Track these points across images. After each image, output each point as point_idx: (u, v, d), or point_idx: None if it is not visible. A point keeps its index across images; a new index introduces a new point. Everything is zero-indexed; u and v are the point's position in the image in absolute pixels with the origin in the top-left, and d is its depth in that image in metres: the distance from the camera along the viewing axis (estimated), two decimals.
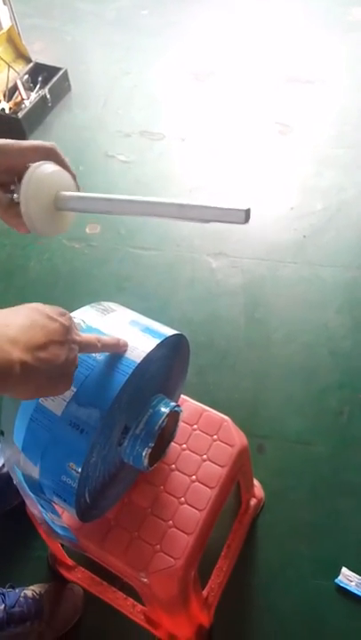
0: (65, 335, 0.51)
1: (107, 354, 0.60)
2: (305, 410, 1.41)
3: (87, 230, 1.84)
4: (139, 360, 0.60)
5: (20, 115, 2.08)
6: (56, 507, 0.69)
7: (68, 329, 0.51)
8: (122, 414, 0.64)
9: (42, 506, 0.69)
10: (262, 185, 1.97)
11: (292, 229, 1.82)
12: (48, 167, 0.57)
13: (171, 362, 0.74)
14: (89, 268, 1.74)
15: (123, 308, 0.73)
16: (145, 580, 0.75)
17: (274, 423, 1.39)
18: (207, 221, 0.53)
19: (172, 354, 0.73)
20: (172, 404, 0.70)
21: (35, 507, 0.72)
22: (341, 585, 1.15)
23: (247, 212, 0.50)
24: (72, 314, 0.68)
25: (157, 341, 0.64)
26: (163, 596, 0.79)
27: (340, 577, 1.15)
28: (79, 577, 1.08)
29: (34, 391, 0.49)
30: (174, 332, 0.70)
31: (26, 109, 2.11)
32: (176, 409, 0.71)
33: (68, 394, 0.58)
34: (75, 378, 0.57)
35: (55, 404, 0.58)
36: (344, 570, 1.16)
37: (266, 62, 2.45)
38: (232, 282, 1.70)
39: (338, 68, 2.39)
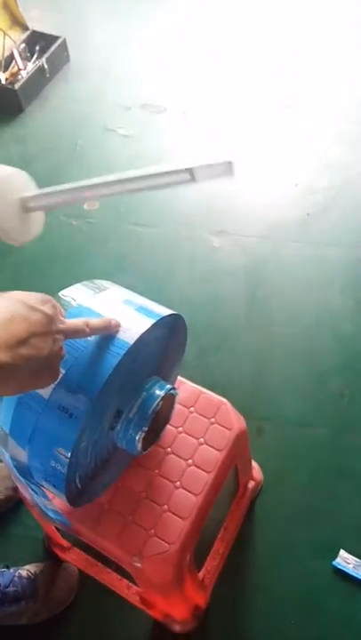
0: (48, 326, 0.47)
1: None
2: (305, 392, 1.39)
3: (85, 207, 1.80)
4: (132, 341, 0.57)
5: (17, 86, 2.01)
6: (46, 491, 0.67)
7: (51, 318, 0.48)
8: (114, 398, 0.61)
9: (32, 490, 0.67)
10: (267, 160, 1.91)
11: (297, 207, 1.77)
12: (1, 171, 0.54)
13: (167, 343, 0.71)
14: (87, 246, 1.70)
15: (116, 286, 0.70)
16: (138, 564, 0.74)
17: (274, 405, 1.37)
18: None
19: (169, 335, 0.70)
20: (168, 386, 0.67)
21: (25, 490, 0.70)
22: (339, 567, 1.14)
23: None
24: (63, 292, 0.65)
25: (152, 321, 0.61)
26: (157, 581, 0.77)
27: (337, 559, 1.15)
28: (74, 558, 1.08)
29: (16, 388, 0.46)
30: (170, 311, 0.66)
31: (22, 80, 2.04)
32: (172, 392, 0.68)
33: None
34: (64, 360, 0.55)
35: None
36: (342, 552, 1.15)
37: (274, 32, 2.35)
38: (233, 261, 1.66)
39: (349, 40, 2.30)
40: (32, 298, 0.48)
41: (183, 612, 0.97)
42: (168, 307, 0.69)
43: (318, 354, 1.45)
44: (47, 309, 0.48)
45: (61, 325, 0.50)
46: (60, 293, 0.64)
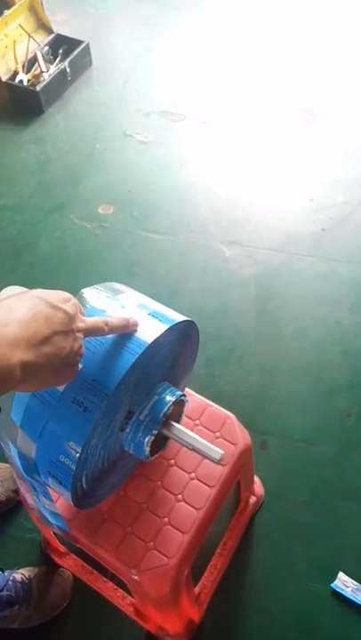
0: (69, 324, 0.48)
1: None
2: (311, 408, 1.37)
3: (100, 210, 1.80)
4: (149, 341, 0.58)
5: (39, 87, 2.03)
6: (51, 492, 0.67)
7: (72, 317, 0.49)
8: (127, 397, 0.61)
9: (35, 489, 0.67)
10: (283, 173, 1.91)
11: (311, 222, 1.76)
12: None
13: (180, 348, 0.71)
14: (99, 249, 1.70)
15: (132, 290, 0.70)
16: (136, 577, 0.73)
17: (279, 420, 1.36)
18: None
19: (182, 340, 0.70)
20: (179, 392, 0.67)
21: (27, 491, 0.69)
22: (337, 590, 1.12)
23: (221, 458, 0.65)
24: (82, 292, 0.65)
25: (169, 325, 0.61)
26: (153, 594, 0.76)
27: (336, 581, 1.13)
28: (70, 564, 1.07)
29: (37, 386, 0.48)
30: (185, 317, 0.66)
31: (44, 82, 2.05)
32: (182, 398, 0.68)
33: None
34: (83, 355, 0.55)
35: None
36: (341, 575, 1.13)
37: (296, 44, 2.36)
38: (245, 272, 1.65)
39: None
40: (54, 296, 0.48)
41: (177, 627, 0.96)
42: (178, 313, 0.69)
43: (326, 370, 1.44)
44: (68, 308, 0.49)
45: (82, 324, 0.51)
46: (81, 292, 0.64)
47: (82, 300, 0.62)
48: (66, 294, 0.51)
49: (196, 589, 1.00)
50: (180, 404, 0.69)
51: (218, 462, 0.64)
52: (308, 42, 2.37)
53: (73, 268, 1.66)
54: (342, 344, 1.49)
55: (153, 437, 0.64)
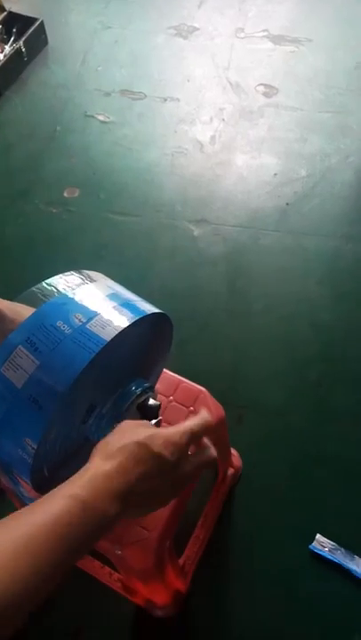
0: (169, 473, 0.49)
1: (75, 326, 0.57)
2: (284, 382, 1.41)
3: (65, 194, 1.78)
4: (108, 338, 0.56)
5: None
6: (18, 477, 0.67)
7: (173, 465, 0.49)
8: (87, 392, 0.61)
9: (7, 474, 0.67)
10: (246, 149, 1.91)
11: (276, 196, 1.78)
12: None
13: (151, 341, 0.71)
14: (66, 234, 1.69)
15: (105, 278, 0.69)
16: (119, 552, 0.74)
17: (253, 394, 1.39)
18: None
19: (153, 333, 0.69)
20: (146, 384, 0.67)
21: (3, 475, 0.69)
22: (315, 551, 1.17)
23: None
24: (48, 281, 0.64)
25: (133, 319, 0.60)
26: (138, 567, 0.78)
27: (314, 543, 1.18)
28: None
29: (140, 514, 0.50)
30: (156, 310, 0.66)
31: (0, 63, 1.99)
32: (148, 390, 0.67)
33: (31, 367, 0.54)
34: (39, 350, 0.54)
35: (17, 375, 0.55)
36: (318, 536, 1.18)
37: (251, 19, 2.34)
38: (214, 250, 1.66)
39: (325, 28, 2.30)
40: (156, 442, 0.49)
41: (164, 598, 0.99)
42: (148, 296, 0.69)
43: (297, 343, 1.47)
44: (169, 455, 0.49)
45: (187, 467, 0.51)
46: (45, 282, 0.64)
47: (45, 292, 0.61)
48: (171, 438, 0.50)
49: (181, 561, 1.03)
50: (146, 395, 0.68)
51: None
52: (265, 15, 2.35)
53: (39, 255, 1.64)
54: (311, 317, 1.52)
55: None
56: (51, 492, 0.46)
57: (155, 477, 0.48)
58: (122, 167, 1.85)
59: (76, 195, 1.77)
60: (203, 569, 1.10)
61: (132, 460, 0.47)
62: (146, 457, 0.48)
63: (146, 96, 2.07)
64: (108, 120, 1.99)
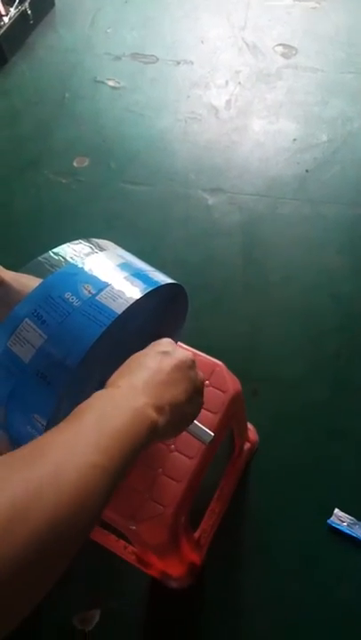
0: (185, 363, 0.54)
1: (85, 298, 0.54)
2: (301, 353, 1.37)
3: (75, 164, 1.72)
4: (120, 311, 0.53)
5: None
6: None
7: (185, 360, 0.54)
8: (97, 367, 0.58)
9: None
10: (263, 114, 1.83)
11: (295, 163, 1.71)
12: None
13: (164, 313, 0.67)
14: (76, 204, 1.64)
15: (116, 247, 0.65)
16: (133, 527, 0.73)
17: (269, 367, 1.36)
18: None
19: (167, 304, 0.66)
20: None
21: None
22: (334, 525, 1.15)
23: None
24: (55, 249, 0.61)
25: (146, 290, 0.57)
26: (152, 543, 0.77)
27: (332, 517, 1.16)
28: None
29: (179, 420, 0.51)
30: (170, 280, 0.62)
31: (4, 27, 1.91)
32: None
33: (38, 341, 0.51)
34: (47, 323, 0.51)
35: (24, 349, 0.52)
36: (336, 511, 1.16)
37: None
38: (229, 220, 1.61)
39: None
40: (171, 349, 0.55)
41: (179, 570, 0.98)
42: (161, 268, 0.65)
43: (315, 314, 1.43)
44: (179, 353, 0.55)
45: (200, 375, 0.56)
46: (52, 251, 0.60)
47: (52, 261, 0.57)
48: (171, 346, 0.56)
49: (196, 534, 1.02)
50: None
51: (206, 444, 0.62)
52: None
53: (50, 226, 1.60)
54: (331, 287, 1.47)
55: None
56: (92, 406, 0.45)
57: (167, 365, 0.52)
58: (133, 134, 1.79)
59: (86, 164, 1.72)
60: (219, 542, 1.09)
61: (143, 359, 0.52)
62: (152, 350, 0.53)
63: (158, 59, 1.99)
64: (118, 85, 1.92)
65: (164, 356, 0.52)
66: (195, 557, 1.01)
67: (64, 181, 1.69)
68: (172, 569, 0.97)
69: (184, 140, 1.78)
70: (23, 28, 2.00)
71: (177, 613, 1.08)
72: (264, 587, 1.10)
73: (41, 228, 1.60)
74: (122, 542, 1.03)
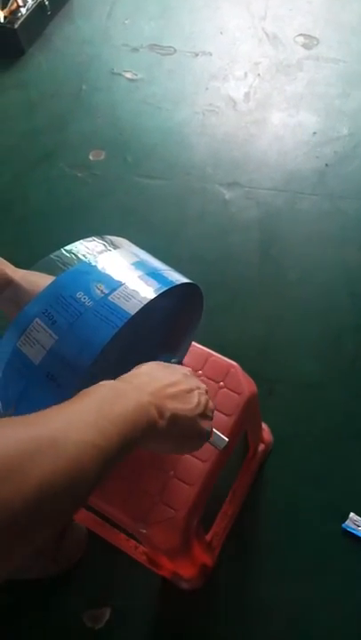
0: (191, 382, 0.54)
1: (97, 298, 0.52)
2: (319, 353, 1.34)
3: (90, 157, 1.71)
4: (133, 311, 0.52)
5: (17, 25, 1.88)
6: None
7: (190, 377, 0.55)
8: (109, 369, 0.56)
9: None
10: (282, 106, 1.79)
11: (314, 157, 1.66)
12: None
13: (179, 313, 0.65)
14: (91, 199, 1.63)
15: (130, 245, 0.64)
16: (144, 531, 0.72)
17: (285, 366, 1.33)
18: None
19: (181, 304, 0.64)
20: (174, 359, 0.62)
21: None
22: (349, 529, 1.13)
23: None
24: (68, 247, 0.59)
25: (160, 290, 0.55)
26: (163, 547, 0.76)
27: (347, 521, 1.13)
28: (81, 518, 1.07)
29: (179, 434, 0.50)
30: (185, 280, 0.60)
31: (22, 18, 1.90)
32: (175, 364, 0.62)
33: (49, 342, 0.50)
34: (58, 323, 0.50)
35: (34, 350, 0.51)
36: (352, 515, 1.14)
37: None
38: (246, 215, 1.57)
39: None
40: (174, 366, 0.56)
41: (190, 572, 0.97)
42: (176, 264, 0.63)
43: (334, 313, 1.40)
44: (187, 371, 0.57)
45: (203, 385, 0.57)
46: (64, 249, 0.59)
47: (65, 259, 0.56)
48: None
49: (208, 537, 1.01)
50: None
51: (220, 449, 0.61)
52: None
53: (65, 220, 1.59)
54: (350, 286, 1.43)
55: None
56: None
57: (179, 379, 0.52)
58: (150, 127, 1.76)
59: (102, 157, 1.70)
60: (231, 543, 1.08)
61: (151, 369, 0.52)
62: (163, 368, 0.53)
63: (176, 51, 1.95)
64: (135, 77, 1.89)
65: (182, 377, 0.53)
66: (207, 559, 0.99)
67: (79, 175, 1.67)
68: (184, 570, 0.96)
69: (202, 133, 1.75)
70: (40, 19, 1.98)
71: (188, 613, 1.07)
72: (276, 590, 1.08)
73: (55, 223, 1.58)
74: (132, 542, 1.02)
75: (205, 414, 0.53)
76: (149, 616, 1.08)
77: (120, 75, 1.90)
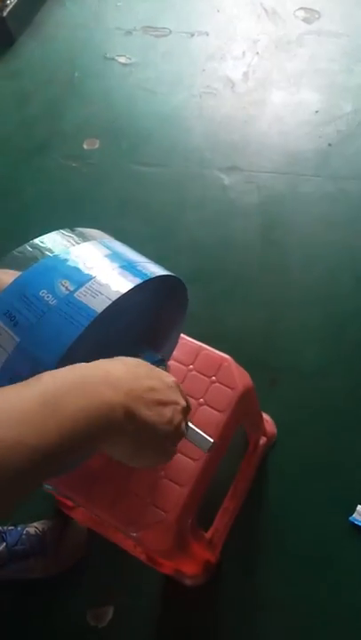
0: (171, 393, 0.49)
1: (61, 296, 0.49)
2: (323, 341, 1.29)
3: (85, 146, 1.67)
4: (100, 309, 0.48)
5: (5, 12, 1.83)
6: None
7: (172, 388, 0.50)
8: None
9: None
10: (282, 85, 1.72)
11: (317, 137, 1.60)
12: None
13: (161, 307, 0.62)
14: (87, 189, 1.59)
15: (104, 236, 0.60)
16: (134, 534, 0.69)
17: (289, 355, 1.29)
18: None
19: (162, 298, 0.60)
20: (157, 357, 0.59)
21: None
22: (356, 522, 1.09)
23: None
24: (38, 239, 0.56)
25: (133, 285, 0.51)
26: (156, 549, 0.73)
27: (354, 514, 1.10)
28: (79, 516, 1.05)
29: (142, 447, 0.46)
30: (164, 272, 0.57)
31: (11, 5, 1.85)
32: (159, 364, 0.59)
33: (11, 344, 0.47)
34: (20, 325, 0.47)
35: None
36: (359, 507, 1.10)
37: None
38: (246, 200, 1.52)
39: None
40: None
41: (193, 569, 0.95)
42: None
43: (338, 300, 1.34)
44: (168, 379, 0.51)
45: (182, 401, 0.51)
46: (29, 243, 0.55)
47: (35, 252, 0.53)
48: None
49: (209, 533, 0.98)
50: (158, 367, 0.60)
51: (205, 452, 0.57)
52: None
53: (61, 211, 1.55)
54: (355, 269, 1.38)
55: None
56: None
57: (158, 386, 0.47)
58: (145, 113, 1.71)
59: (97, 146, 1.66)
60: (235, 539, 1.05)
61: (133, 365, 0.48)
62: (148, 370, 0.49)
63: (171, 32, 1.89)
64: (129, 62, 1.84)
65: (163, 385, 0.48)
66: (208, 556, 0.97)
67: (74, 165, 1.63)
68: (186, 567, 0.94)
69: (199, 117, 1.69)
70: (31, 5, 1.93)
71: (191, 610, 1.05)
72: (282, 585, 1.06)
73: (51, 215, 1.55)
74: (131, 541, 1.00)
75: (174, 434, 0.48)
76: (152, 614, 1.06)
77: (113, 59, 1.85)
